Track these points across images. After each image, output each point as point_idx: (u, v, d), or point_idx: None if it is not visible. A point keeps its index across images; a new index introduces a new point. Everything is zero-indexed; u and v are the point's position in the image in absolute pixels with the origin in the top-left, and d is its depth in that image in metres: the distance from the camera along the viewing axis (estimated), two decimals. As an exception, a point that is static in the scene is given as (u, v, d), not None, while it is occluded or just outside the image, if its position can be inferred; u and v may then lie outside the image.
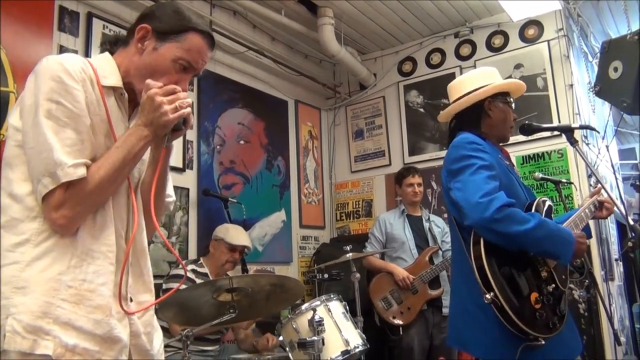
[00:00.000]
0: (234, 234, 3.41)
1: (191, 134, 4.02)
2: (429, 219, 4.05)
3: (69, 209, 1.26)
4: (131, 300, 1.41)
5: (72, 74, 1.30)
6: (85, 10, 3.40)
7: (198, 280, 3.15)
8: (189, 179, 3.96)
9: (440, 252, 3.90)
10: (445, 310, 3.75)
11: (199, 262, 3.37)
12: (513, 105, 2.19)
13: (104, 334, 1.29)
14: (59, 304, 1.25)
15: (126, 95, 1.43)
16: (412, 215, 4.04)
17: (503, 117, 2.14)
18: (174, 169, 3.81)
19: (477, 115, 2.13)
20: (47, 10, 3.18)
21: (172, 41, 1.41)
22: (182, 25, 1.42)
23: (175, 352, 3.03)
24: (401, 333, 3.70)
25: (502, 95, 2.15)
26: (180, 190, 3.84)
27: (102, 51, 1.50)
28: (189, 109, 1.37)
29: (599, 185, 2.28)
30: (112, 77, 1.41)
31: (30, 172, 1.29)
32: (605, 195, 2.28)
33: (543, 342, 1.76)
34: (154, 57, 1.41)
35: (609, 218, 4.87)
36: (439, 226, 4.04)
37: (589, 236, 2.34)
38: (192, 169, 4.00)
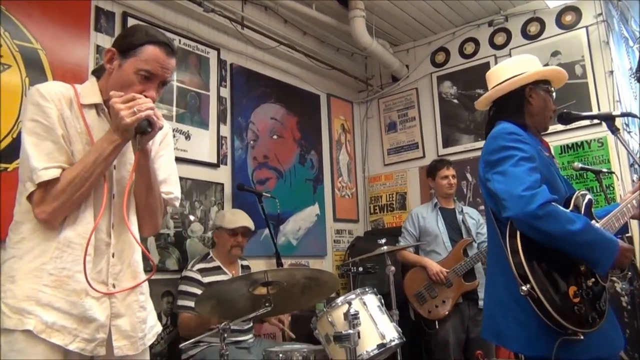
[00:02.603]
0: (230, 218, 3.42)
1: (225, 130, 4.07)
2: (462, 211, 3.99)
3: (47, 204, 1.53)
4: (114, 286, 1.64)
5: (46, 96, 1.58)
6: (120, 10, 3.46)
7: (205, 279, 3.17)
8: (224, 175, 4.00)
9: (474, 244, 3.85)
10: (482, 303, 3.69)
11: (209, 256, 3.36)
12: (554, 94, 2.12)
13: (79, 313, 1.54)
14: (41, 289, 1.52)
15: (106, 110, 1.66)
16: (446, 208, 4.00)
17: (543, 106, 2.07)
18: (209, 164, 3.86)
19: (519, 103, 2.06)
20: (84, 11, 3.25)
21: (132, 56, 1.63)
22: (138, 40, 1.64)
23: (208, 345, 3.07)
24: (437, 327, 3.67)
25: (543, 83, 2.09)
26: (215, 186, 3.89)
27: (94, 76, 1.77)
28: (148, 112, 1.55)
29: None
30: (92, 96, 1.68)
31: (20, 180, 1.58)
32: None
33: (582, 337, 1.71)
34: (120, 73, 1.65)
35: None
36: (473, 218, 3.98)
37: (625, 232, 2.25)
38: (226, 164, 4.04)
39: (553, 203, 1.76)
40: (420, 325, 3.78)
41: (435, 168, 4.03)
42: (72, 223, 1.58)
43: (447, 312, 3.68)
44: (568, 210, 1.83)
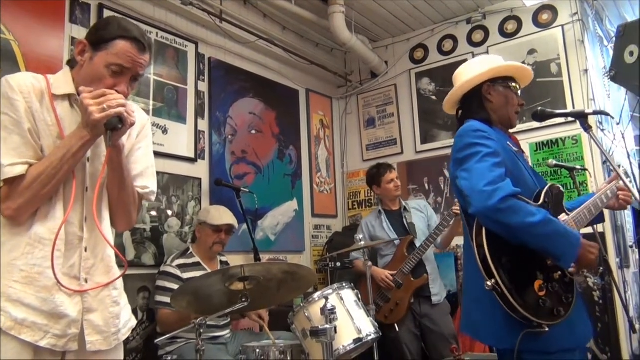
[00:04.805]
0: (215, 214, 3.41)
1: (203, 124, 4.04)
2: (406, 208, 3.98)
3: (12, 201, 1.52)
4: (86, 281, 1.61)
5: (14, 88, 1.55)
6: (96, 1, 3.40)
7: (185, 275, 3.15)
8: (201, 169, 3.98)
9: (418, 239, 3.80)
10: (435, 299, 3.73)
11: (189, 252, 3.34)
12: (518, 90, 2.15)
13: (50, 310, 1.52)
14: (11, 285, 1.50)
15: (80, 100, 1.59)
16: (392, 210, 4.00)
17: (504, 102, 2.09)
18: (186, 159, 3.83)
19: (480, 101, 2.11)
20: (59, 2, 3.19)
21: (103, 50, 1.61)
22: (110, 34, 1.61)
23: (186, 342, 3.06)
24: (398, 329, 3.66)
25: (503, 80, 2.11)
26: (193, 181, 3.86)
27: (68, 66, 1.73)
28: (119, 109, 1.53)
29: (615, 173, 2.23)
30: (65, 87, 1.64)
31: None
32: (622, 183, 2.22)
33: (547, 329, 1.75)
34: (91, 66, 1.62)
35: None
36: (421, 211, 3.98)
37: (602, 220, 2.30)
38: (204, 159, 4.01)
39: (517, 197, 1.78)
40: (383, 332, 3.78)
41: (379, 175, 3.99)
42: (43, 218, 1.56)
43: (404, 313, 3.69)
44: (532, 204, 1.86)
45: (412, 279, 3.73)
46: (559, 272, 1.86)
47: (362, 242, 3.40)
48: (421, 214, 3.97)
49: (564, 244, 1.78)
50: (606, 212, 4.11)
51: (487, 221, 1.81)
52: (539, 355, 1.80)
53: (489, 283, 1.75)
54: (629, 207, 4.86)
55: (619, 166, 2.41)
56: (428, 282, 3.75)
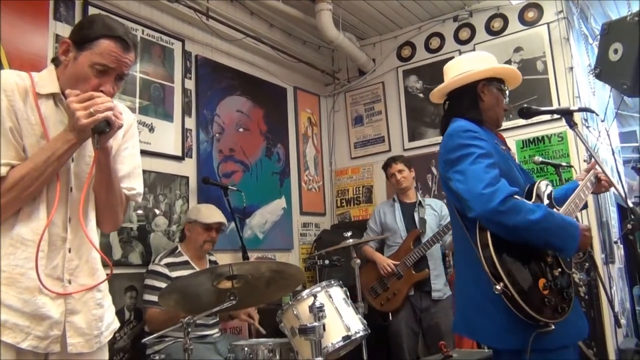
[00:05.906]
0: (206, 213, 3.40)
1: (190, 122, 4.01)
2: (420, 204, 4.01)
3: None
4: (70, 282, 1.59)
5: None
6: (80, -2, 3.37)
7: (173, 274, 3.13)
8: (189, 168, 3.96)
9: (425, 235, 3.84)
10: (435, 294, 3.76)
11: (177, 250, 3.32)
12: (507, 94, 2.15)
13: (31, 311, 1.50)
14: None
15: (64, 99, 1.56)
16: (405, 202, 4.04)
17: (494, 103, 2.09)
18: (174, 157, 3.81)
19: (472, 99, 2.08)
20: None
21: (87, 49, 1.58)
22: (94, 33, 1.58)
23: (174, 341, 3.04)
24: (390, 319, 3.73)
25: (497, 82, 2.11)
26: (180, 179, 3.84)
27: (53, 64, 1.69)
28: (107, 113, 1.50)
29: (593, 160, 2.26)
30: (49, 85, 1.61)
31: None
32: (599, 169, 2.25)
33: (553, 327, 1.75)
34: (75, 66, 1.59)
35: (609, 200, 4.88)
36: (435, 210, 4.01)
37: (585, 207, 2.33)
38: (191, 157, 3.99)
39: (514, 196, 1.78)
40: (375, 318, 3.81)
41: (385, 169, 4.12)
42: (26, 219, 1.53)
43: (399, 304, 3.75)
44: (529, 201, 1.87)
45: (413, 272, 3.78)
46: (559, 269, 1.87)
47: (350, 240, 3.40)
48: (434, 212, 3.99)
49: (566, 236, 1.81)
50: (591, 209, 4.17)
51: (489, 224, 1.80)
52: (541, 353, 1.78)
53: (498, 287, 1.73)
54: (614, 203, 4.90)
55: (590, 157, 2.43)
56: (429, 278, 3.79)
